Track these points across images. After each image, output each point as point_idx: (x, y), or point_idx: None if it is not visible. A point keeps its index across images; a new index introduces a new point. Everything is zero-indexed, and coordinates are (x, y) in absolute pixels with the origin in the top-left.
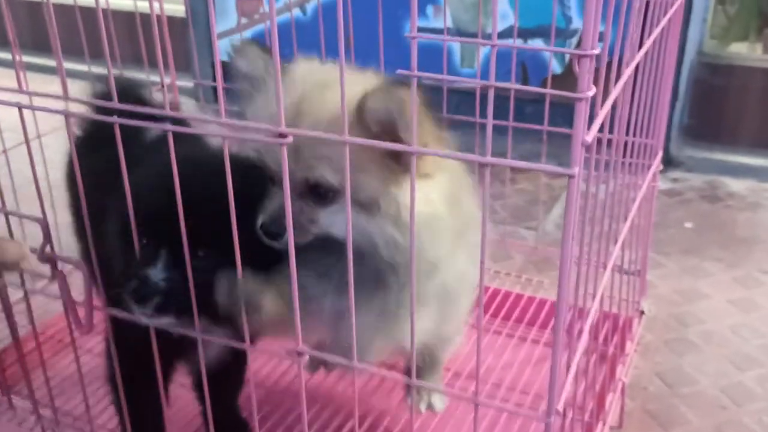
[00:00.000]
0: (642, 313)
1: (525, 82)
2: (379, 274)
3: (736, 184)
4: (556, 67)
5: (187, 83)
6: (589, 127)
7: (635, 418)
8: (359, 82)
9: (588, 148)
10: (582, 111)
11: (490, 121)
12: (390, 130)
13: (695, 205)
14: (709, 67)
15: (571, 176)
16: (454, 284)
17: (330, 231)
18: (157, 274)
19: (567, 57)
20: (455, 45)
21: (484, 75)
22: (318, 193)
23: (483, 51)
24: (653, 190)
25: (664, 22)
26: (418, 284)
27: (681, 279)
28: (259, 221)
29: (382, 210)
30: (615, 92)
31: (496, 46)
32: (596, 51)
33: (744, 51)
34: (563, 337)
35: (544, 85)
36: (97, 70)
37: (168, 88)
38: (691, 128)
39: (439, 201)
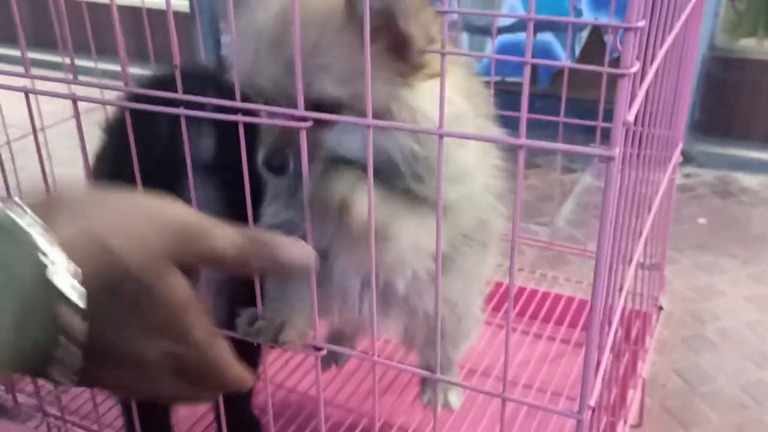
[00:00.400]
0: (661, 308)
1: (535, 76)
2: (406, 191)
3: (749, 180)
4: (567, 61)
5: None
6: (630, 105)
7: (654, 416)
8: None
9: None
10: (625, 87)
11: (525, 94)
12: (388, 23)
13: (708, 201)
14: (720, 62)
15: (610, 158)
16: (484, 206)
17: (340, 152)
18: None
19: (577, 51)
20: (464, 38)
21: (495, 68)
22: (321, 112)
23: (489, 46)
24: (673, 183)
25: (689, 8)
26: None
27: (696, 275)
28: (260, 157)
29: (395, 118)
30: (650, 73)
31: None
32: (642, 23)
33: (753, 45)
34: (597, 334)
35: (554, 80)
36: (104, 65)
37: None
38: (702, 123)
39: (458, 100)
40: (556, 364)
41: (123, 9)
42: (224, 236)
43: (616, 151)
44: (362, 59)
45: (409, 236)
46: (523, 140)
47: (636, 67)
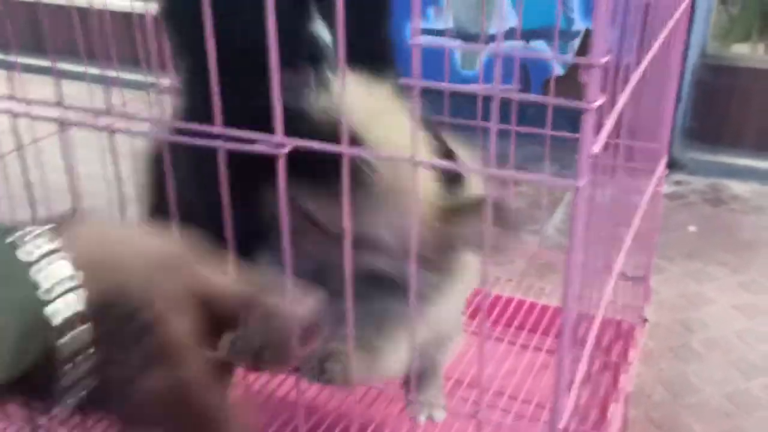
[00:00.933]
0: (645, 320)
1: (527, 83)
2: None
3: (740, 187)
4: (558, 69)
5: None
6: (596, 136)
7: (639, 427)
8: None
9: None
10: (589, 122)
11: (494, 131)
12: None
13: (698, 209)
14: (712, 69)
15: (577, 188)
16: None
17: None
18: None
19: (570, 58)
20: (455, 49)
21: (486, 77)
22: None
23: (484, 53)
24: (658, 195)
25: (671, 23)
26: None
27: (685, 284)
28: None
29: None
30: (622, 100)
31: (500, 56)
32: (605, 59)
33: (746, 52)
34: (569, 349)
35: (546, 86)
36: (95, 71)
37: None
38: (694, 130)
39: None
40: (541, 374)
41: (114, 15)
42: (227, 286)
43: (583, 182)
44: None
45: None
46: (491, 170)
47: (601, 101)
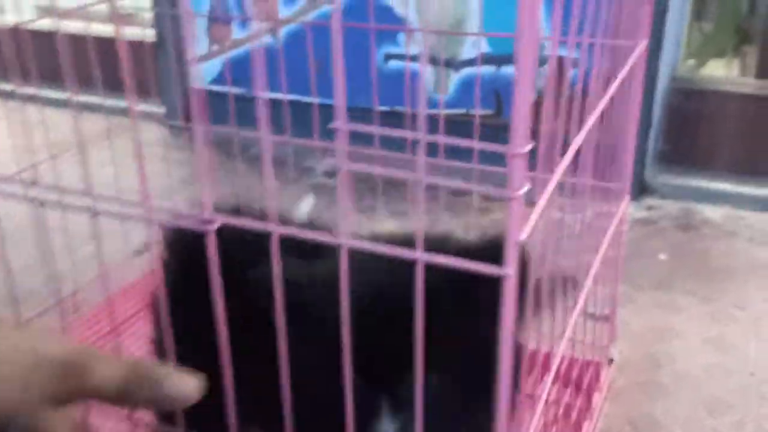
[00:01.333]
0: (611, 361)
1: (499, 109)
2: None
3: (712, 211)
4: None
5: (159, 110)
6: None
7: None
8: None
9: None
10: (515, 211)
11: (423, 142)
12: None
13: (670, 235)
14: (683, 93)
15: (506, 276)
16: None
17: None
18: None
19: (540, 84)
20: (428, 72)
21: (457, 102)
22: None
23: (455, 79)
24: (620, 236)
25: (620, 77)
26: None
27: (654, 315)
28: None
29: None
30: (554, 179)
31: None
32: (528, 148)
33: (721, 70)
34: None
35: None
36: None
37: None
38: (665, 154)
39: None
40: None
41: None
42: (105, 370)
43: (510, 271)
44: None
45: None
46: (419, 254)
47: (525, 189)
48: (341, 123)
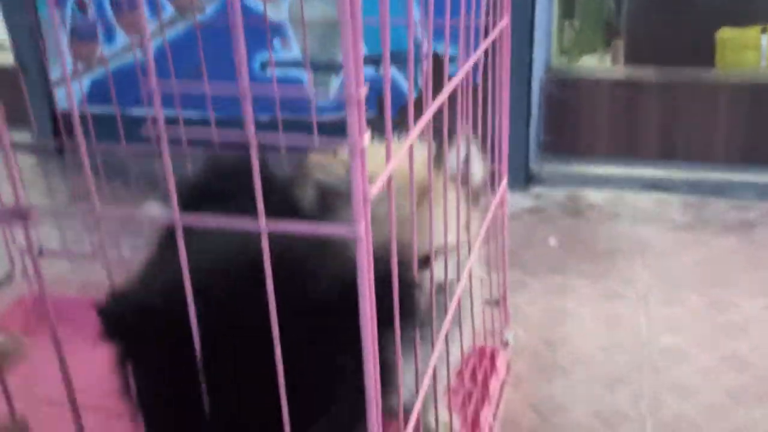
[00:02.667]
0: (507, 344)
1: (381, 111)
2: None
3: (595, 195)
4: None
5: (24, 138)
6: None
7: None
8: None
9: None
10: (358, 163)
11: (254, 143)
12: None
13: (558, 221)
14: (558, 83)
15: (357, 239)
16: None
17: None
18: None
19: (420, 83)
20: (308, 77)
21: (339, 106)
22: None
23: (336, 83)
24: (503, 217)
25: (481, 49)
26: None
27: (548, 299)
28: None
29: None
30: (413, 133)
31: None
32: (364, 92)
33: (594, 63)
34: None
35: (401, 112)
36: None
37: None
38: (548, 144)
39: None
40: None
41: None
42: None
43: (362, 230)
44: None
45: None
46: (262, 225)
47: (366, 140)
48: (153, 83)
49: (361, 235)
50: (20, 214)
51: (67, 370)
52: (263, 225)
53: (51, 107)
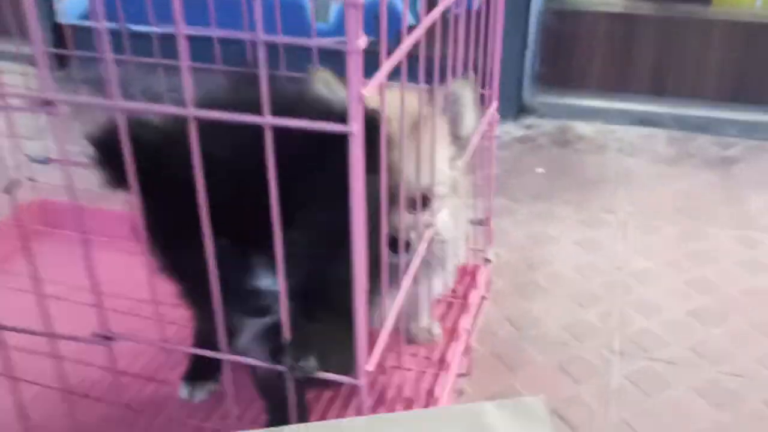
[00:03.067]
0: (488, 261)
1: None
2: None
3: (585, 127)
4: (410, 19)
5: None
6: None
7: (484, 363)
8: None
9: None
10: (354, 64)
11: (263, 74)
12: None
13: (547, 151)
14: (556, 14)
15: (350, 134)
16: None
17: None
18: (264, 283)
19: (419, 8)
20: (307, 1)
21: (338, 30)
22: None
23: (336, 6)
24: (491, 140)
25: None
26: None
27: (531, 224)
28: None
29: None
30: (403, 48)
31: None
32: (362, 44)
33: None
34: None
35: (397, 37)
36: None
37: None
38: (543, 75)
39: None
40: None
41: None
42: None
43: (355, 127)
44: None
45: None
46: (268, 118)
47: (364, 43)
48: None
49: (354, 131)
50: (47, 102)
51: (92, 263)
52: (269, 119)
53: (51, 19)
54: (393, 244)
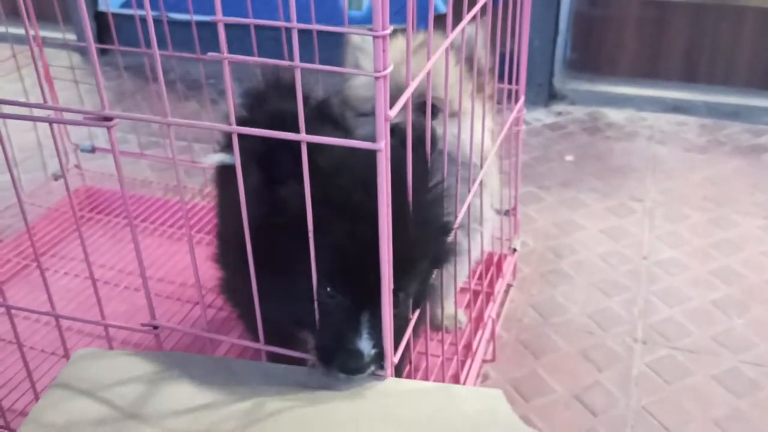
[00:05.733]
0: (514, 251)
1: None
2: None
3: (615, 114)
4: (441, 7)
5: (70, 36)
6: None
7: (509, 349)
8: None
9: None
10: (382, 88)
11: (297, 65)
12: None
13: (576, 138)
14: (588, 0)
15: (378, 150)
16: None
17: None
18: (366, 346)
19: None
20: None
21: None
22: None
23: None
24: (518, 134)
25: None
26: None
27: (558, 212)
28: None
29: None
30: (428, 66)
31: None
32: (388, 31)
33: None
34: (389, 295)
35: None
36: None
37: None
38: (574, 61)
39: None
40: None
41: None
42: None
43: (382, 145)
44: None
45: None
46: (303, 135)
47: (389, 69)
48: (219, 17)
49: (381, 148)
50: (106, 118)
51: (138, 248)
52: (303, 135)
53: (94, 7)
54: None
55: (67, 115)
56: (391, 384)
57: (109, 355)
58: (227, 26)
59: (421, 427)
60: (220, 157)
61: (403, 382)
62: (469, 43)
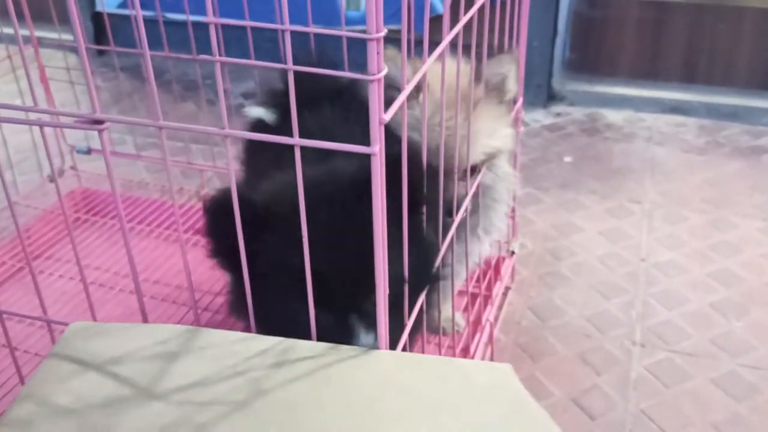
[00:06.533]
0: (512, 253)
1: (410, 24)
2: None
3: (614, 115)
4: (439, 8)
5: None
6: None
7: (507, 352)
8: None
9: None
10: (375, 91)
11: (291, 68)
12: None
13: (575, 139)
14: (587, 1)
15: (372, 155)
16: None
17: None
18: (367, 340)
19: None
20: None
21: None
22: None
23: None
24: (516, 135)
25: None
26: None
27: (557, 213)
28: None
29: None
30: (421, 71)
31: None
32: (382, 34)
33: None
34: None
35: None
36: None
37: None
38: (573, 62)
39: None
40: None
41: None
42: None
43: (377, 149)
44: None
45: None
46: (296, 140)
47: (383, 72)
48: (212, 18)
49: (375, 152)
50: (96, 121)
51: (130, 251)
52: (297, 140)
53: (92, 8)
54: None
55: (59, 118)
56: (396, 356)
57: (106, 329)
58: (226, 27)
59: (426, 397)
60: (258, 111)
61: (408, 356)
62: (500, 75)
